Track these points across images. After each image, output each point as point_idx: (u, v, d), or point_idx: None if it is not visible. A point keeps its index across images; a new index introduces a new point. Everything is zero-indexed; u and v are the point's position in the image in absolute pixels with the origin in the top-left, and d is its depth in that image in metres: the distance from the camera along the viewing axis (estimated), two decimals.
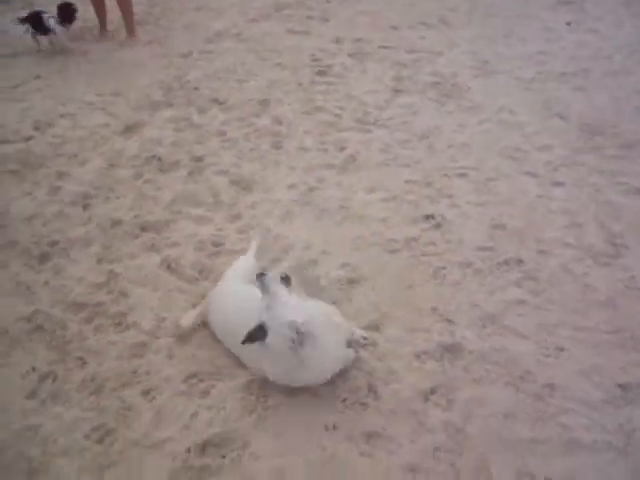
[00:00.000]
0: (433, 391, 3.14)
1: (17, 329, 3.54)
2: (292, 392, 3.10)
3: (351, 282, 3.84)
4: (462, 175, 4.96)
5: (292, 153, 5.26)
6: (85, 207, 4.56)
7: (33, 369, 3.30)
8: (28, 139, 5.57)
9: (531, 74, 6.71)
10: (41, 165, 5.10)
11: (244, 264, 3.65)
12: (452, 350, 3.36)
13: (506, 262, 4.00)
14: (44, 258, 4.08)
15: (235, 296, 3.33)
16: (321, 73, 6.87)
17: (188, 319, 3.48)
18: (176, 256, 4.03)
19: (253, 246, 3.88)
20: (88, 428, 2.99)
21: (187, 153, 5.18)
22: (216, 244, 4.16)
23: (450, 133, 5.62)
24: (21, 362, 3.35)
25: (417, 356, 3.34)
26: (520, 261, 4.00)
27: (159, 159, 5.07)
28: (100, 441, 2.93)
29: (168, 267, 3.96)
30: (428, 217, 4.45)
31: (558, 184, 4.78)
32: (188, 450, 2.85)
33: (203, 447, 2.88)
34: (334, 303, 3.63)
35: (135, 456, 2.85)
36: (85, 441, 2.93)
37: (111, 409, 3.08)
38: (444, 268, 3.97)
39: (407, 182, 4.87)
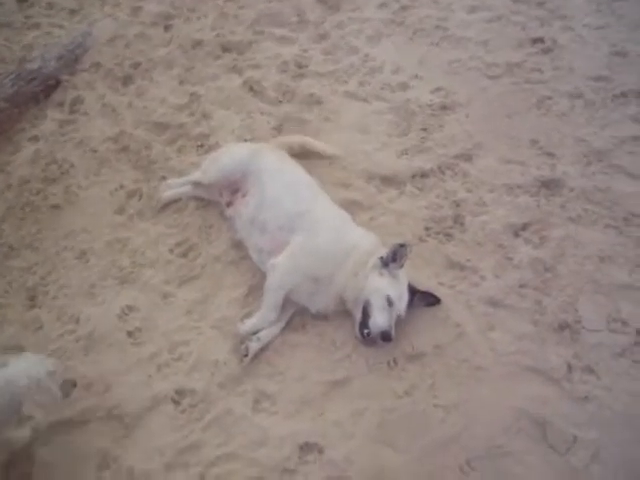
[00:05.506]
0: (525, 227, 2.94)
1: (105, 149, 3.60)
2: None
3: (444, 108, 3.55)
4: None
5: None
6: (166, 28, 4.38)
7: (121, 187, 3.38)
8: None
9: None
10: None
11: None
12: (550, 186, 3.09)
13: (623, 94, 3.53)
14: (127, 80, 4.02)
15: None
16: None
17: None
18: (258, 78, 3.84)
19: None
20: (172, 243, 3.08)
21: None
22: (300, 65, 3.93)
23: None
24: (110, 180, 3.43)
25: (510, 189, 3.11)
26: None
27: None
28: (184, 255, 3.02)
29: (250, 89, 3.80)
30: (536, 40, 3.95)
31: None
32: None
33: None
34: (424, 129, 3.40)
35: (217, 270, 2.93)
36: (170, 255, 3.03)
37: (194, 226, 3.13)
38: (550, 98, 3.57)
39: (515, 1, 4.28)
